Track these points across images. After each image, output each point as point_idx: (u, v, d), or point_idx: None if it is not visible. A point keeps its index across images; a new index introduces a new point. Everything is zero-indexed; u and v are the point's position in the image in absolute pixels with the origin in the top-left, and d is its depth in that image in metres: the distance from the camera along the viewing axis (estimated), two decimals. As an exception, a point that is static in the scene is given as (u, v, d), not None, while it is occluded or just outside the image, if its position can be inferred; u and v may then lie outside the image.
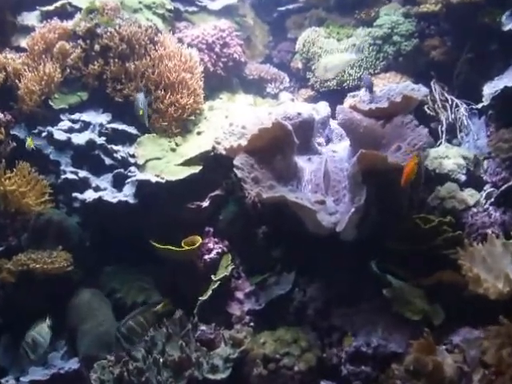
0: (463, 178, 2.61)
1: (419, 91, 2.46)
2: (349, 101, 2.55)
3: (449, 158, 2.64)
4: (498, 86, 2.59)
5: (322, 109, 2.81)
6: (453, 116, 2.85)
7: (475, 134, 2.81)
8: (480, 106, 2.68)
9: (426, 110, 2.92)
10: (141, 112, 2.49)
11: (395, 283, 2.17)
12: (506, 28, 2.73)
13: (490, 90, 2.59)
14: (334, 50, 3.20)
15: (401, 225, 2.30)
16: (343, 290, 2.26)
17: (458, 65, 2.94)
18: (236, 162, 2.29)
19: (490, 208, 2.37)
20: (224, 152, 2.48)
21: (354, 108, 2.44)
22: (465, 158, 2.67)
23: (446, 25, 3.04)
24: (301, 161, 2.47)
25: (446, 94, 2.93)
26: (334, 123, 2.75)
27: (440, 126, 2.86)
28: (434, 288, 2.14)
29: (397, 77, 3.06)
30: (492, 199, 2.41)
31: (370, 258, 2.24)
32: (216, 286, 2.36)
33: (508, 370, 1.71)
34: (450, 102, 2.88)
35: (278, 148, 2.35)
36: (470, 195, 2.55)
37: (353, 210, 2.09)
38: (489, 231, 2.25)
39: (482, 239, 2.19)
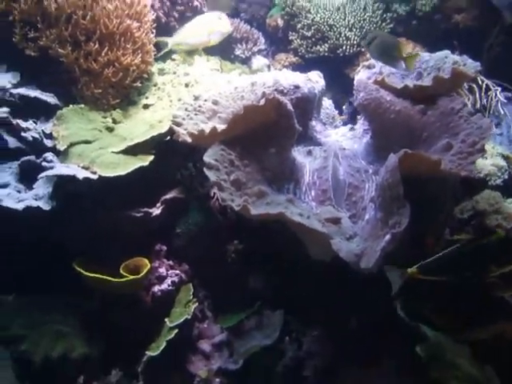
0: (500, 183, 2.02)
1: (466, 65, 1.75)
2: (364, 73, 1.81)
3: (485, 157, 2.02)
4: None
5: (316, 80, 2.06)
6: (482, 101, 2.19)
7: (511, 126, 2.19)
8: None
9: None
10: None
11: (433, 336, 1.58)
12: None
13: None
14: (328, 4, 2.45)
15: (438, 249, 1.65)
16: (356, 342, 1.68)
17: (492, 34, 2.26)
18: (208, 157, 1.54)
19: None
20: (189, 139, 1.70)
21: (381, 84, 1.71)
22: (505, 157, 2.04)
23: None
24: (298, 155, 1.77)
25: (474, 72, 2.27)
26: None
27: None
28: (486, 345, 1.55)
29: (408, 44, 2.38)
30: None
31: (395, 296, 1.65)
32: (173, 335, 1.71)
33: None
34: (479, 83, 2.21)
35: (271, 137, 1.64)
36: (514, 208, 1.95)
37: (388, 237, 1.39)
38: None
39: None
